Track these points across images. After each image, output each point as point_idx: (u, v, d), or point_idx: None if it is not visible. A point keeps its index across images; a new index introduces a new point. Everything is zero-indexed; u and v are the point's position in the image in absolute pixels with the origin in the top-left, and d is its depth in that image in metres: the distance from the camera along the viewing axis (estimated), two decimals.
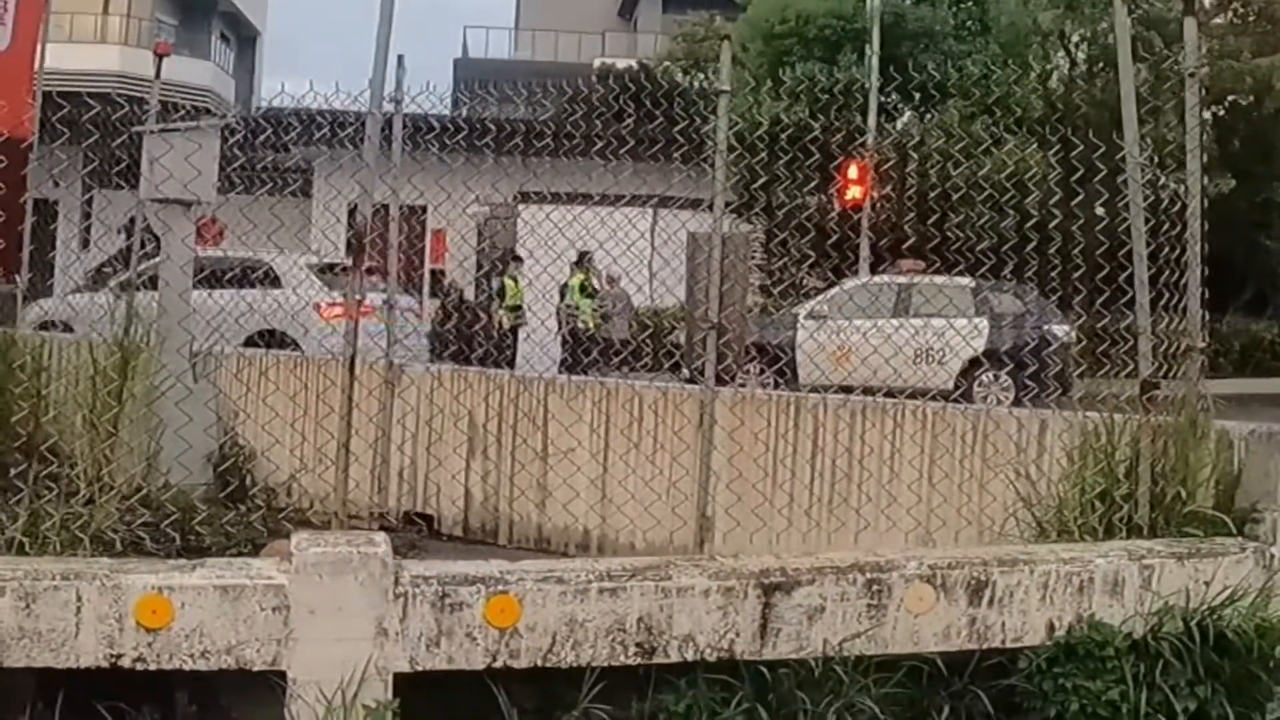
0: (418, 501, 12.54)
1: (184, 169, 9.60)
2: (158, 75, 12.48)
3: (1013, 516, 7.93)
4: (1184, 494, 7.21)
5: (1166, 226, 7.70)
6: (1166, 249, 7.60)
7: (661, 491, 10.73)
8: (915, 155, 22.87)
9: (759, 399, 11.18)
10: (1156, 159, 8.71)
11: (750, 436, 10.69)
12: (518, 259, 25.24)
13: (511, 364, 22.37)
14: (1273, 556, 6.94)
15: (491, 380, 12.46)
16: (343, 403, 7.33)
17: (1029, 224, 10.69)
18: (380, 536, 6.12)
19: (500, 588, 5.98)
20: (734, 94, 10.58)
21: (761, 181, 11.59)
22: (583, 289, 25.18)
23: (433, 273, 28.59)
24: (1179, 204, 7.68)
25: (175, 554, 7.89)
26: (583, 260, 23.78)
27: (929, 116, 29.16)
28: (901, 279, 21.78)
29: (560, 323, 25.14)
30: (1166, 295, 7.60)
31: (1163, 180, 8.07)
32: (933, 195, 15.65)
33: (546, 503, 11.87)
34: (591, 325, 25.38)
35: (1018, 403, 18.81)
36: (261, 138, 12.56)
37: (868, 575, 6.33)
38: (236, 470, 10.97)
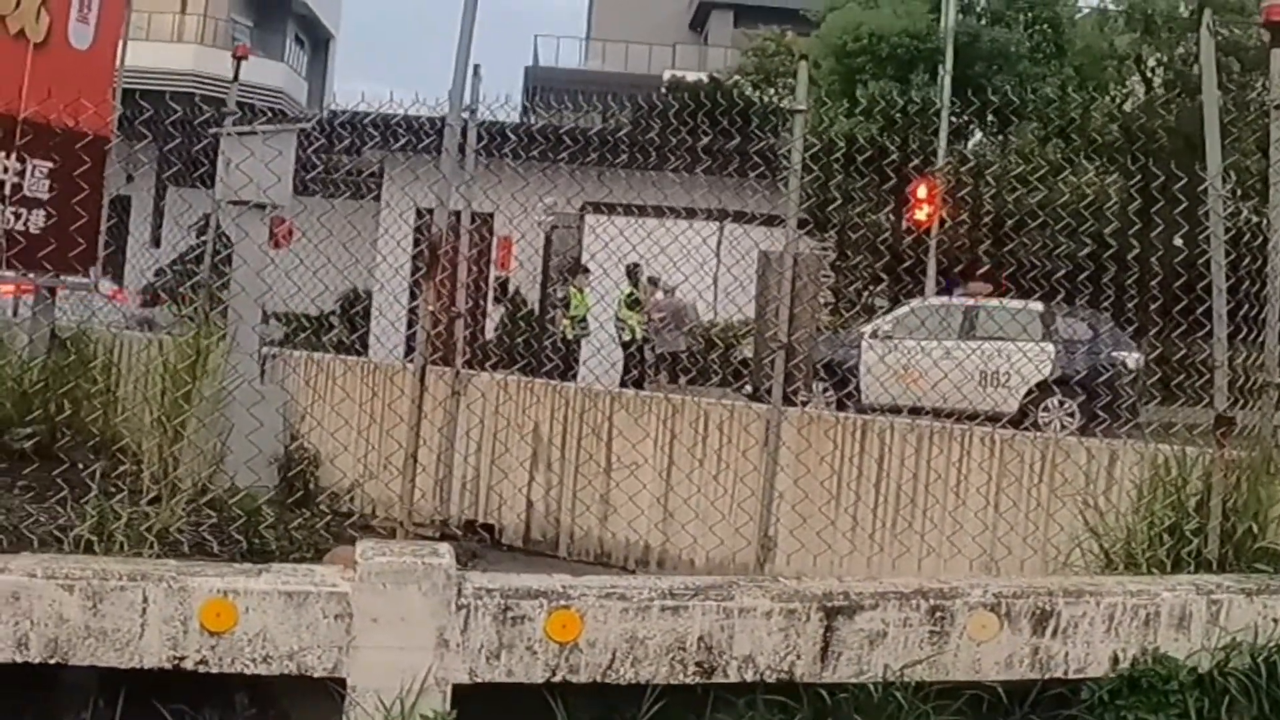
0: (480, 511, 12.57)
1: (262, 172, 9.66)
2: (236, 78, 12.58)
3: (1079, 547, 7.85)
4: (1255, 530, 7.11)
5: (1246, 260, 7.61)
6: (1245, 282, 7.51)
7: (725, 510, 10.71)
8: (986, 177, 22.75)
9: (825, 420, 11.14)
10: (1237, 189, 8.63)
11: (816, 458, 10.66)
12: (585, 270, 25.27)
13: (573, 376, 22.40)
14: None
15: (558, 392, 12.48)
16: (411, 412, 7.35)
17: (1103, 251, 10.62)
18: (444, 547, 6.13)
19: (562, 602, 5.97)
20: (809, 111, 10.55)
21: (833, 201, 11.56)
22: (630, 301, 25.18)
23: (498, 279, 28.67)
24: (1260, 237, 7.58)
25: (240, 557, 7.93)
26: (631, 272, 23.80)
27: (1001, 138, 28.98)
28: (969, 301, 21.65)
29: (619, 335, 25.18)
30: (1244, 329, 7.52)
31: (1244, 212, 7.97)
32: (1003, 218, 15.55)
33: (609, 517, 11.88)
34: (638, 337, 25.40)
35: (1083, 430, 18.66)
36: (340, 144, 12.64)
37: (931, 601, 6.28)
38: (302, 475, 11.03)
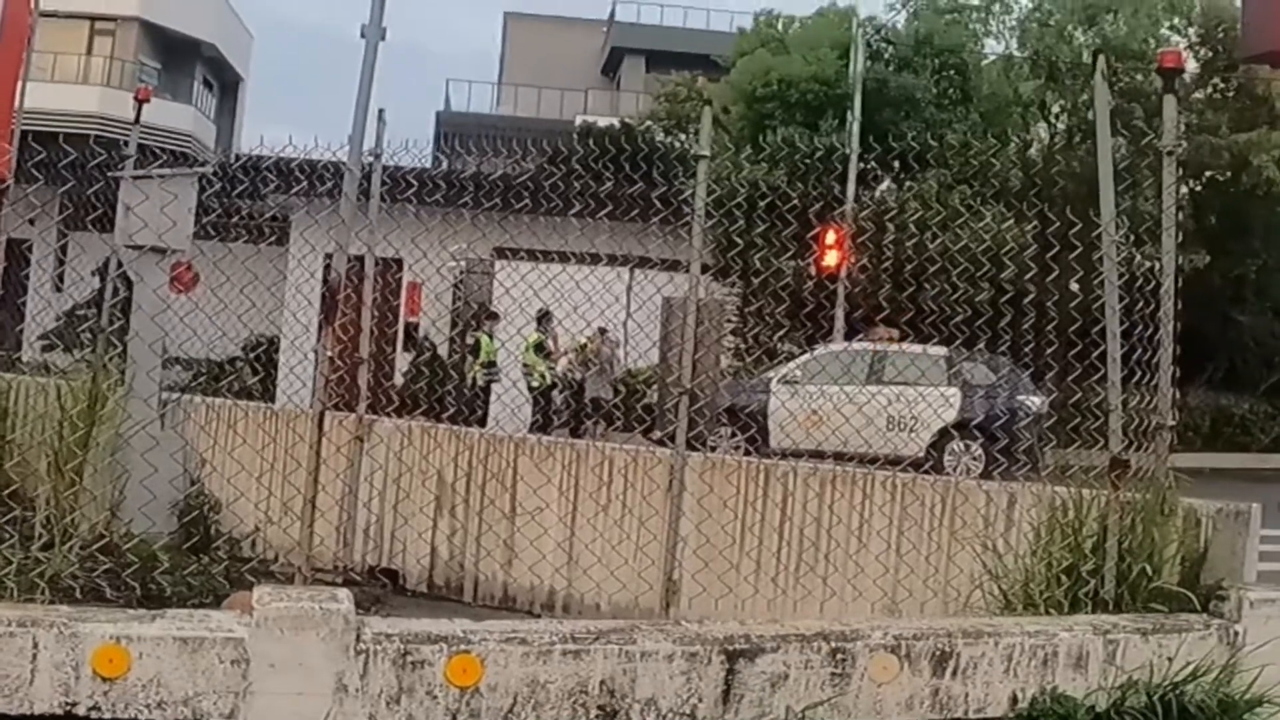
0: (384, 557, 12.48)
1: (159, 217, 9.57)
2: (137, 120, 12.44)
3: (979, 589, 7.92)
4: (1150, 570, 7.20)
5: (1140, 304, 7.73)
6: (1139, 326, 7.62)
7: (628, 555, 10.70)
8: (893, 224, 22.97)
9: (729, 465, 11.17)
10: (1133, 234, 8.75)
11: (719, 503, 10.68)
12: (494, 316, 25.27)
13: (483, 422, 22.33)
14: (1237, 633, 6.93)
15: (460, 439, 12.42)
16: (310, 457, 7.29)
17: (1005, 296, 10.73)
18: (343, 592, 6.07)
19: (463, 647, 5.93)
20: (714, 157, 10.61)
21: (739, 247, 11.61)
22: (538, 348, 25.25)
23: (407, 326, 28.54)
24: (1153, 281, 7.71)
25: (135, 603, 7.81)
26: (540, 320, 23.84)
27: (908, 185, 29.31)
28: (875, 346, 21.82)
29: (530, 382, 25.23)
30: (1138, 373, 7.63)
31: (1137, 257, 8.10)
32: (909, 264, 15.68)
33: (513, 562, 11.83)
34: (547, 382, 25.50)
35: (988, 474, 18.83)
36: (239, 189, 12.54)
37: (832, 644, 6.30)
38: (201, 521, 10.89)
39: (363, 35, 7.42)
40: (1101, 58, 7.97)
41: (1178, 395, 7.74)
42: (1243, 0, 8.34)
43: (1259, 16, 8.24)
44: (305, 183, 11.69)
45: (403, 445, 12.45)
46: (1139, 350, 7.64)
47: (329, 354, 7.56)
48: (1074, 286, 8.24)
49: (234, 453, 12.14)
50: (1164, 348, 7.51)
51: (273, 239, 15.87)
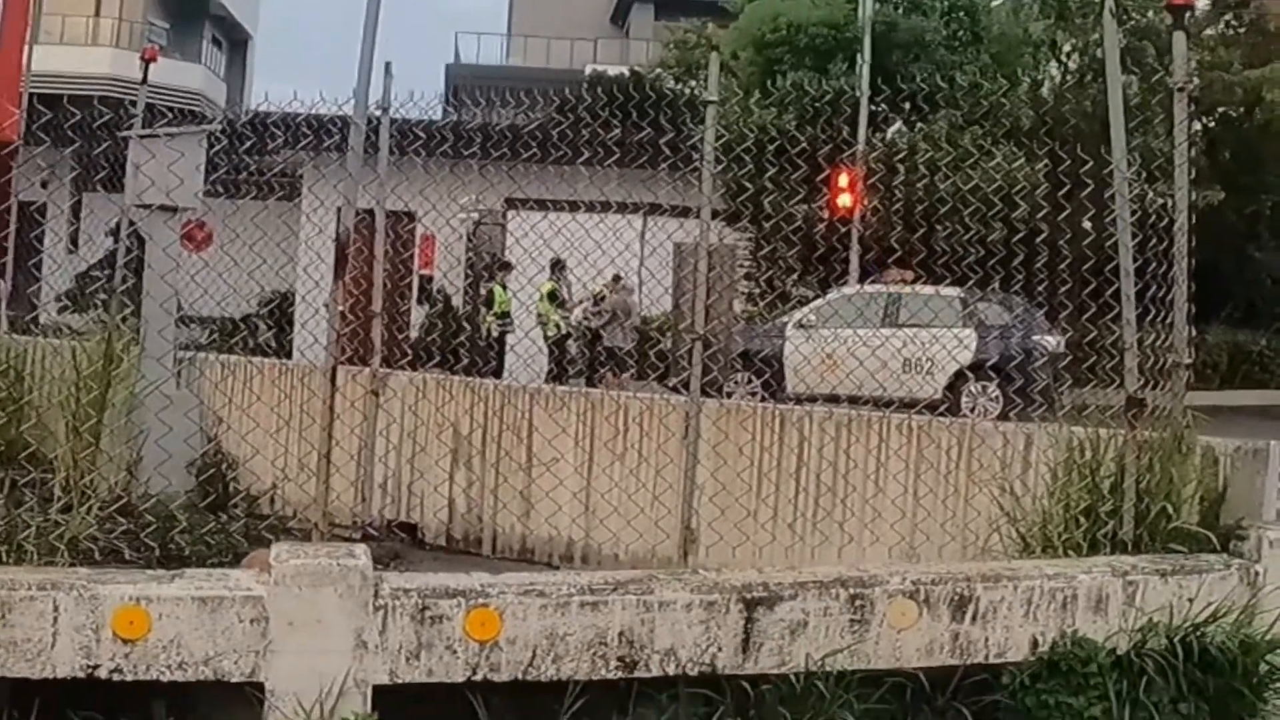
0: (401, 511, 12.51)
1: (168, 175, 9.55)
2: (144, 80, 12.42)
3: (996, 532, 7.90)
4: (1169, 510, 7.18)
5: (1154, 241, 7.67)
6: (1154, 264, 7.57)
7: (645, 504, 10.69)
8: (904, 166, 22.85)
9: (743, 412, 11.15)
10: (1145, 172, 8.68)
11: (734, 450, 10.66)
12: (507, 266, 25.23)
13: (499, 373, 22.33)
14: (1257, 573, 6.92)
15: (475, 391, 12.42)
16: (323, 413, 7.28)
17: (1018, 235, 10.67)
18: (360, 549, 6.08)
19: (481, 601, 5.94)
20: (724, 103, 10.55)
21: (750, 191, 11.54)
22: (552, 297, 25.23)
23: (421, 279, 28.52)
24: (1167, 218, 7.65)
25: (154, 564, 7.83)
26: (554, 268, 23.80)
27: (919, 127, 29.16)
28: (890, 289, 21.74)
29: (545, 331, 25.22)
30: (1153, 310, 7.58)
31: (1149, 194, 8.03)
32: (921, 206, 15.61)
33: (530, 514, 11.84)
34: (563, 331, 25.49)
35: (1005, 415, 18.79)
36: (248, 144, 12.51)
37: (850, 590, 6.30)
38: (218, 479, 10.91)
39: None
40: None
41: (1193, 333, 7.70)
42: None
43: None
44: (313, 138, 11.64)
45: (417, 399, 12.46)
46: (1153, 288, 7.59)
47: (340, 309, 7.54)
48: (1087, 225, 8.18)
49: (249, 410, 12.15)
50: (1179, 285, 7.46)
51: (282, 194, 15.85)
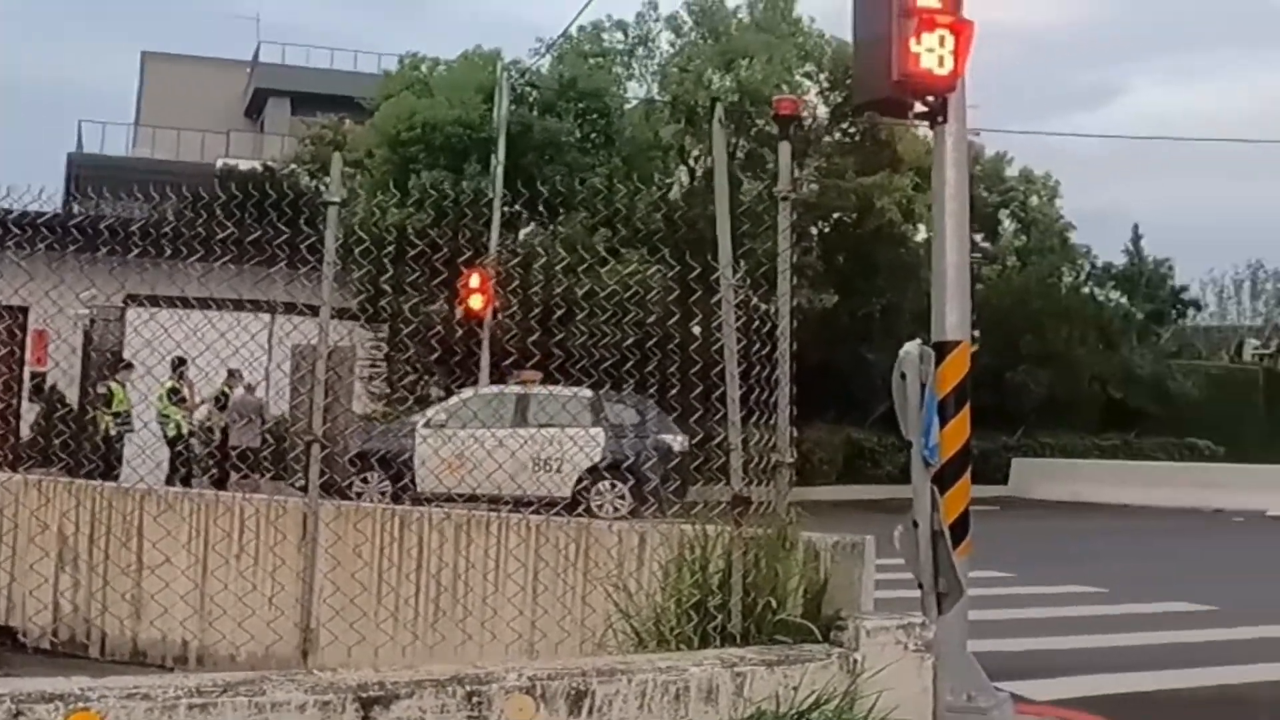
0: (2, 615, 11.89)
1: None
2: None
3: (611, 628, 8.06)
4: (774, 603, 7.46)
5: (757, 346, 8.00)
6: (758, 367, 7.90)
7: (258, 606, 10.47)
8: (537, 267, 23.22)
9: (360, 512, 11.07)
10: (761, 276, 9.05)
11: (351, 551, 10.56)
12: (128, 365, 24.48)
13: (112, 473, 21.54)
14: (856, 661, 7.24)
15: (80, 492, 11.96)
16: None
17: (646, 339, 10.96)
18: None
19: (81, 704, 5.71)
20: (345, 203, 10.56)
21: (377, 292, 11.52)
22: (173, 393, 24.70)
23: (34, 376, 27.31)
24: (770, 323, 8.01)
25: None
26: (175, 366, 23.29)
27: (551, 228, 29.72)
28: (520, 389, 21.98)
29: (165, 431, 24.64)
30: (758, 412, 7.89)
31: (754, 300, 8.39)
32: (554, 307, 15.85)
33: (142, 615, 11.42)
34: (183, 432, 25.02)
35: (635, 512, 19.17)
36: None
37: (468, 688, 6.32)
38: None
39: None
40: (720, 105, 8.30)
41: (795, 433, 8.05)
42: (854, 48, 8.79)
43: (864, 65, 8.68)
44: None
45: (22, 498, 11.92)
46: (757, 390, 7.91)
47: None
48: (698, 329, 8.50)
49: None
50: (782, 387, 7.82)
51: None
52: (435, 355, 20.96)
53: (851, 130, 39.47)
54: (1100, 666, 11.80)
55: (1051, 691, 10.43)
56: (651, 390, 15.11)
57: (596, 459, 22.12)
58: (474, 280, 25.69)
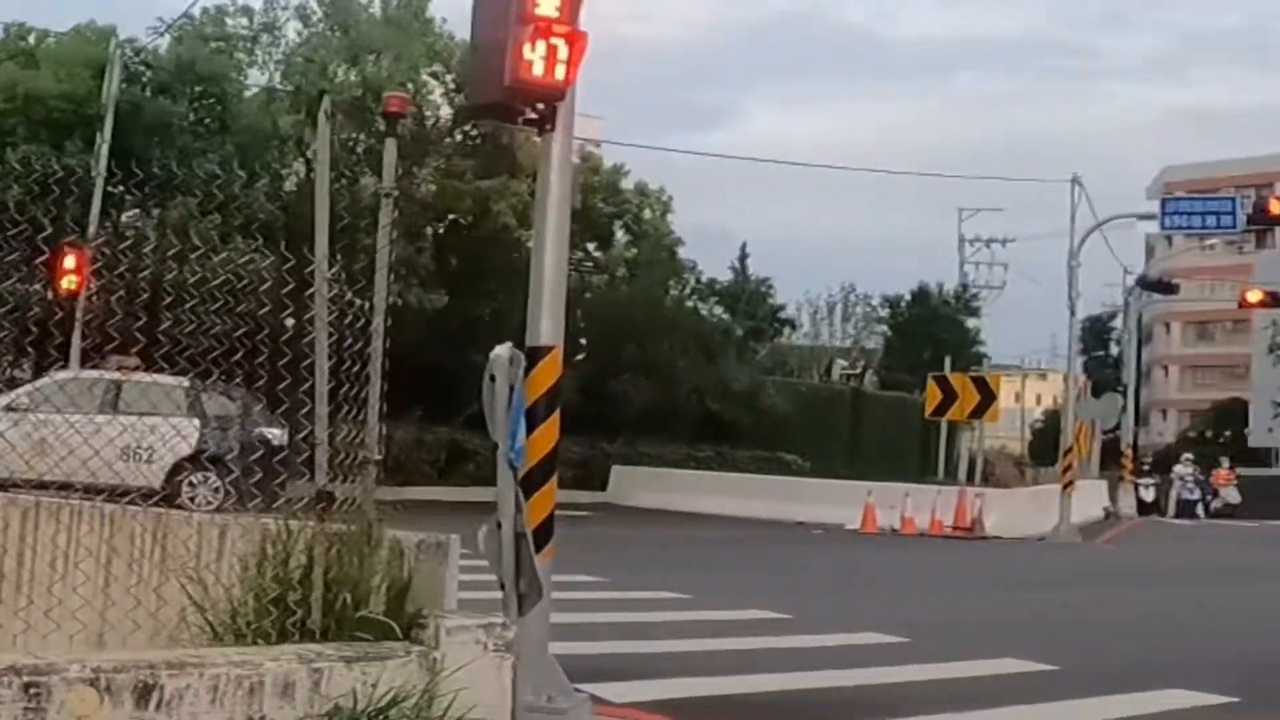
0: None
1: None
2: None
3: (185, 621, 7.92)
4: (356, 600, 7.47)
5: (350, 341, 8.01)
6: (348, 363, 7.91)
7: None
8: (137, 251, 22.52)
9: None
10: (358, 272, 9.03)
11: None
12: None
13: None
14: (435, 659, 7.31)
15: None
16: None
17: (249, 329, 10.77)
18: None
19: None
20: None
21: None
22: None
23: None
24: (362, 319, 8.03)
25: None
26: None
27: (158, 212, 28.88)
28: (111, 375, 21.24)
29: None
30: (349, 407, 7.90)
31: (350, 296, 8.38)
32: (151, 293, 15.38)
33: None
34: None
35: (235, 506, 18.75)
36: None
37: (25, 678, 6.10)
38: None
39: None
40: (328, 97, 8.27)
41: (384, 431, 8.08)
42: (471, 50, 8.91)
43: (479, 68, 8.80)
44: None
45: None
46: (348, 385, 7.91)
47: None
48: (292, 322, 8.44)
49: None
50: (373, 384, 7.84)
51: None
52: (30, 338, 20.03)
53: (474, 133, 39.64)
54: (681, 670, 12.19)
55: (633, 694, 10.73)
56: (258, 383, 14.89)
57: (190, 450, 21.58)
58: (69, 261, 24.68)
